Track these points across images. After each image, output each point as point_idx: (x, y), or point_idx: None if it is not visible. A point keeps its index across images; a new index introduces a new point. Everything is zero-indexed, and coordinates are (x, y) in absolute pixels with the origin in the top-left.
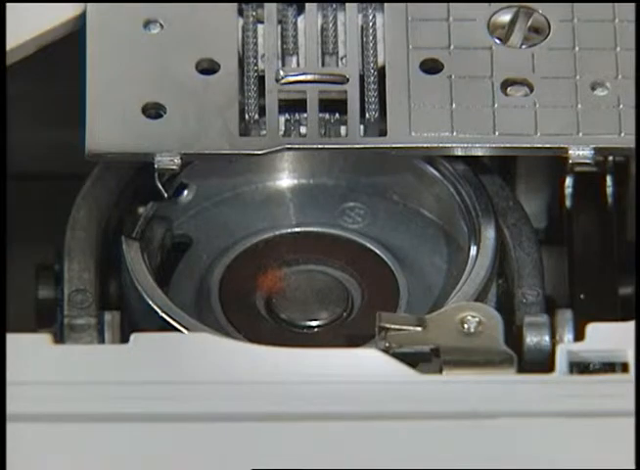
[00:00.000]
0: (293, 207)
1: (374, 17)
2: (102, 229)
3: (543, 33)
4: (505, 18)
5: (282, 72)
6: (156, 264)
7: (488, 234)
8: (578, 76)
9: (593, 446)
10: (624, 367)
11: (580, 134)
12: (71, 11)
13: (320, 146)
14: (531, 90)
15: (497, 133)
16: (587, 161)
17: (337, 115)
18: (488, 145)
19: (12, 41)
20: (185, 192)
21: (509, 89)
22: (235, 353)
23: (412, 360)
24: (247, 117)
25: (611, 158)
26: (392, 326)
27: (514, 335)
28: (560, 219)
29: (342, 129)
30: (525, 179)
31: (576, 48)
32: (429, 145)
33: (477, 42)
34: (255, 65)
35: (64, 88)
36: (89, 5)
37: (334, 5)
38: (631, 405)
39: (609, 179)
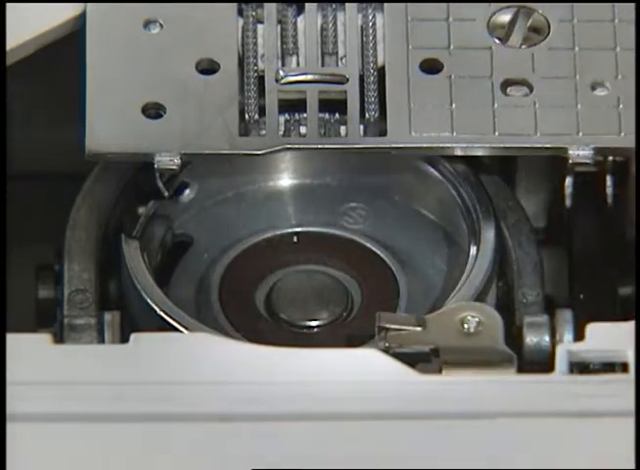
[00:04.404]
0: (294, 207)
1: (374, 17)
2: (102, 229)
3: (543, 33)
4: (505, 18)
5: (282, 72)
6: (156, 263)
7: (488, 234)
8: (578, 76)
9: (593, 446)
10: (624, 367)
11: (580, 134)
12: (71, 11)
13: (320, 146)
14: (531, 90)
15: (497, 133)
16: (587, 161)
17: (337, 115)
18: (488, 145)
19: (12, 41)
20: (186, 191)
21: (509, 89)
22: (235, 353)
23: (412, 360)
24: (247, 116)
25: (611, 158)
26: (392, 326)
27: (514, 335)
28: (560, 219)
29: (342, 129)
30: (525, 179)
31: (576, 48)
32: (429, 145)
33: (476, 42)
34: (255, 65)
35: (63, 88)
36: (89, 5)
37: (334, 5)
38: (631, 405)
39: (609, 179)
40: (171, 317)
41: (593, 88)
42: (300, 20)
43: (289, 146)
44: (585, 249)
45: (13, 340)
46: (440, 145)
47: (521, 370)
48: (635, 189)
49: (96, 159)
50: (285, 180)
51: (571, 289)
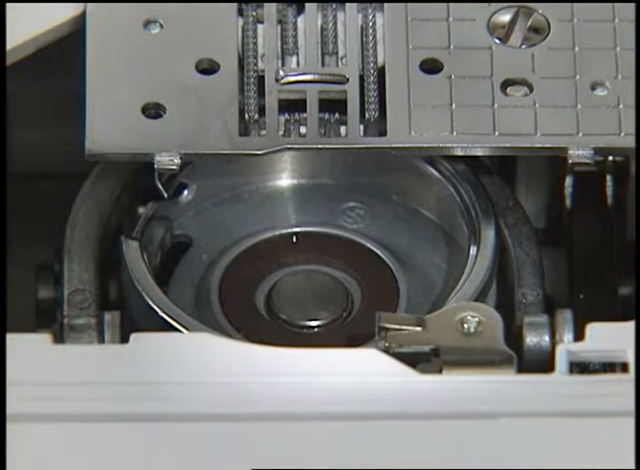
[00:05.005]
0: (293, 207)
1: (374, 17)
2: (102, 229)
3: (543, 33)
4: (505, 18)
5: (282, 72)
6: (155, 264)
7: (488, 234)
8: (578, 76)
9: (593, 446)
10: (624, 367)
11: (580, 134)
12: (71, 11)
13: (320, 146)
14: (531, 90)
15: (497, 133)
16: (587, 161)
17: (337, 115)
18: (488, 145)
19: (12, 41)
20: (185, 192)
21: (509, 89)
22: (235, 353)
23: (412, 360)
24: (247, 117)
25: (611, 158)
26: (392, 326)
27: (514, 335)
28: (560, 219)
29: (342, 129)
30: (525, 179)
31: (576, 48)
32: (429, 145)
33: (477, 42)
34: (255, 65)
35: (63, 88)
36: (89, 5)
37: (334, 5)
38: (631, 405)
39: (609, 179)
40: (171, 317)
41: (593, 88)
42: (300, 20)
43: (289, 146)
44: (585, 249)
45: (13, 340)
46: (440, 145)
47: (521, 370)
48: (635, 189)
49: (96, 159)
50: (284, 180)
51: (571, 289)
